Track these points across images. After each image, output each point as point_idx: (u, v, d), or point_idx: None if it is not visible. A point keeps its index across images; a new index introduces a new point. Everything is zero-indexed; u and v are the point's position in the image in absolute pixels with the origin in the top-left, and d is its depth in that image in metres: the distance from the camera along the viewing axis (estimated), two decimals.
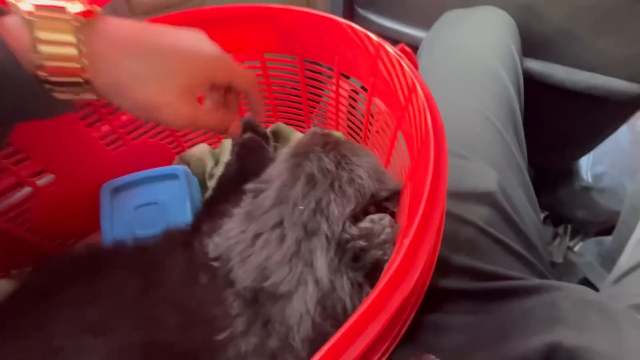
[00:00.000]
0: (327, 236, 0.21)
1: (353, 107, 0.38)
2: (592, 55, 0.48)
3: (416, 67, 0.23)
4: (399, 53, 0.23)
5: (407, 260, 0.14)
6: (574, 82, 0.50)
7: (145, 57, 0.22)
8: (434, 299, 0.28)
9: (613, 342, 0.21)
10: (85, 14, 0.20)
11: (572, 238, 0.88)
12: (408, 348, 0.27)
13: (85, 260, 0.28)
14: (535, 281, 0.28)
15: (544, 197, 0.88)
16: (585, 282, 0.66)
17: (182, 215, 0.35)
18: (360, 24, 0.26)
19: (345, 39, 0.27)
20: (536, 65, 0.53)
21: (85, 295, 0.24)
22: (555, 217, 0.88)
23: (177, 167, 0.37)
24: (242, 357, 0.20)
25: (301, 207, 0.22)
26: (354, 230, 0.21)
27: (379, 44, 0.24)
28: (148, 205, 0.36)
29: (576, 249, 0.78)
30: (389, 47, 0.23)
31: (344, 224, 0.21)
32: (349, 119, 0.37)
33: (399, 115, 0.25)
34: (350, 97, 0.37)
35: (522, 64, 0.48)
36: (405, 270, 0.14)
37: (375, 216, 0.21)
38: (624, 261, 0.34)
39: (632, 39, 0.45)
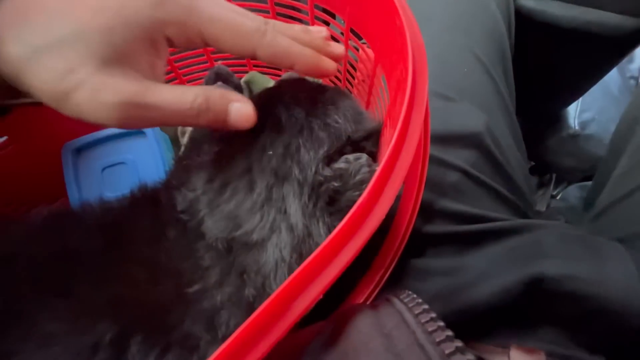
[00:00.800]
0: (299, 181, 0.19)
1: None
2: None
3: None
4: None
5: (378, 186, 0.13)
6: (568, 18, 0.47)
7: (42, 20, 0.15)
8: (419, 243, 0.27)
9: (596, 269, 0.21)
10: None
11: (556, 187, 0.89)
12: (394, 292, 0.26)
13: (47, 223, 0.26)
14: (520, 221, 0.28)
15: (531, 146, 0.88)
16: None
17: (154, 174, 0.33)
18: None
19: None
20: (529, 2, 0.49)
21: (48, 258, 0.23)
22: (541, 166, 0.89)
23: None
24: (218, 307, 0.20)
25: (270, 153, 0.20)
26: (327, 172, 0.19)
27: None
28: (116, 165, 0.34)
29: (559, 196, 0.80)
30: None
31: (317, 166, 0.20)
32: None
33: (377, 44, 0.22)
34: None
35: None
36: (377, 197, 0.13)
37: (351, 156, 0.20)
38: (604, 198, 0.34)
39: None
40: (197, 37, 0.17)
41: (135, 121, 0.17)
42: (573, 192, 0.69)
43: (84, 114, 0.16)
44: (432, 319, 0.12)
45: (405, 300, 0.14)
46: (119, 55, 0.16)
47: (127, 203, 0.26)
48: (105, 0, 0.16)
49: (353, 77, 0.33)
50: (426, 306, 0.13)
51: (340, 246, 0.13)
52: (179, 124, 0.18)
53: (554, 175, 0.90)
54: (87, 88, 0.15)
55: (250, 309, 0.20)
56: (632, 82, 0.91)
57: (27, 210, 0.35)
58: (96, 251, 0.23)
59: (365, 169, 0.19)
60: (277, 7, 0.31)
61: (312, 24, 0.30)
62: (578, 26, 0.47)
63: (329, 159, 0.20)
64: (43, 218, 0.26)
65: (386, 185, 0.14)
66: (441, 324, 0.11)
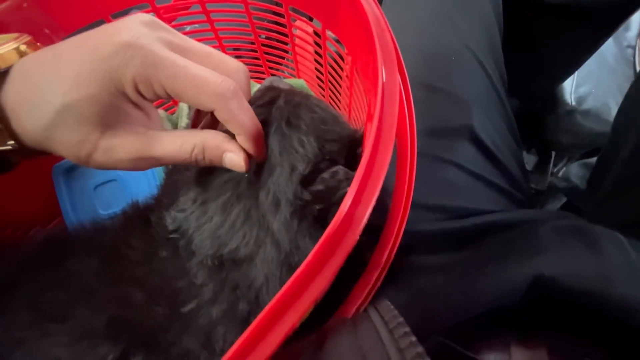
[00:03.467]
0: (277, 200, 0.19)
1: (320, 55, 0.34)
2: None
3: None
4: None
5: (360, 193, 0.13)
6: None
7: (38, 99, 0.17)
8: (414, 241, 0.27)
9: (594, 263, 0.20)
10: None
11: (556, 164, 0.89)
12: (390, 290, 0.26)
13: (43, 247, 0.26)
14: (516, 213, 0.27)
15: (529, 125, 0.87)
16: (568, 206, 0.67)
17: (145, 189, 0.33)
18: None
19: None
20: None
21: (45, 283, 0.23)
22: (540, 145, 0.88)
23: None
24: (214, 323, 0.20)
25: (247, 175, 0.20)
26: (306, 195, 0.19)
27: None
28: (108, 183, 0.34)
29: (560, 174, 0.79)
30: None
31: (294, 190, 0.19)
32: (317, 68, 0.34)
33: (351, 46, 0.22)
34: (316, 43, 0.33)
35: None
36: (355, 205, 0.13)
37: (327, 174, 0.19)
38: (610, 181, 0.33)
39: None
40: (162, 91, 0.18)
41: (145, 167, 0.20)
42: (574, 171, 0.68)
43: (106, 167, 0.19)
44: (405, 334, 0.12)
45: (383, 313, 0.14)
46: (115, 116, 0.18)
47: (120, 223, 0.26)
48: (80, 70, 0.17)
49: (340, 77, 0.32)
50: (401, 319, 0.13)
51: (323, 261, 0.13)
52: (181, 165, 0.21)
53: (552, 154, 0.89)
54: (101, 151, 0.18)
55: (245, 322, 0.20)
56: (630, 50, 0.88)
57: (24, 232, 0.35)
58: (92, 274, 0.23)
59: (344, 183, 0.19)
60: (253, 12, 0.30)
61: (289, 26, 0.29)
62: (566, 1, 0.46)
63: (306, 180, 0.20)
64: (39, 243, 0.27)
65: (362, 195, 0.14)
66: (413, 339, 0.11)
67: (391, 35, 0.18)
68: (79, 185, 0.34)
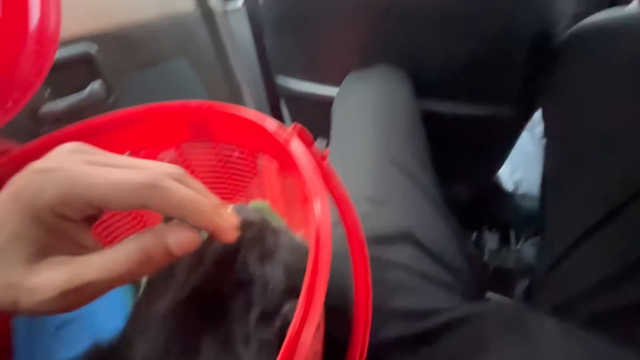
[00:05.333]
0: (246, 339, 0.21)
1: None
2: (465, 89, 0.58)
3: (308, 141, 0.26)
4: (289, 133, 0.26)
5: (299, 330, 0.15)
6: (454, 113, 0.59)
7: None
8: (378, 348, 0.29)
9: (527, 356, 0.23)
10: None
11: (517, 242, 0.95)
12: None
13: None
14: (463, 309, 0.30)
15: (482, 209, 0.96)
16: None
17: (112, 324, 0.32)
18: (283, 93, 0.28)
19: (248, 127, 0.30)
20: (425, 104, 0.61)
21: None
22: (499, 225, 0.96)
23: None
24: None
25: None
26: (267, 335, 0.20)
27: (263, 129, 0.27)
28: (71, 321, 0.33)
29: (518, 256, 0.85)
30: (280, 130, 0.26)
31: (255, 326, 0.21)
32: None
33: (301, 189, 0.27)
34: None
35: (417, 104, 0.55)
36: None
37: (281, 316, 0.21)
38: (540, 266, 0.38)
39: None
40: (87, 206, 0.16)
41: (81, 302, 0.16)
42: (526, 250, 0.74)
43: (38, 314, 0.16)
44: None
45: None
46: (37, 251, 0.16)
47: None
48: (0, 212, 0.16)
49: None
50: None
51: None
52: (129, 281, 0.17)
53: (512, 232, 0.96)
54: (25, 294, 0.15)
55: None
56: (544, 141, 1.07)
57: None
58: None
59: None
60: (222, 153, 0.36)
61: (253, 164, 0.36)
62: (468, 119, 0.59)
63: (267, 317, 0.21)
64: None
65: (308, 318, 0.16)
66: None
67: (333, 186, 0.23)
68: (39, 326, 0.33)
